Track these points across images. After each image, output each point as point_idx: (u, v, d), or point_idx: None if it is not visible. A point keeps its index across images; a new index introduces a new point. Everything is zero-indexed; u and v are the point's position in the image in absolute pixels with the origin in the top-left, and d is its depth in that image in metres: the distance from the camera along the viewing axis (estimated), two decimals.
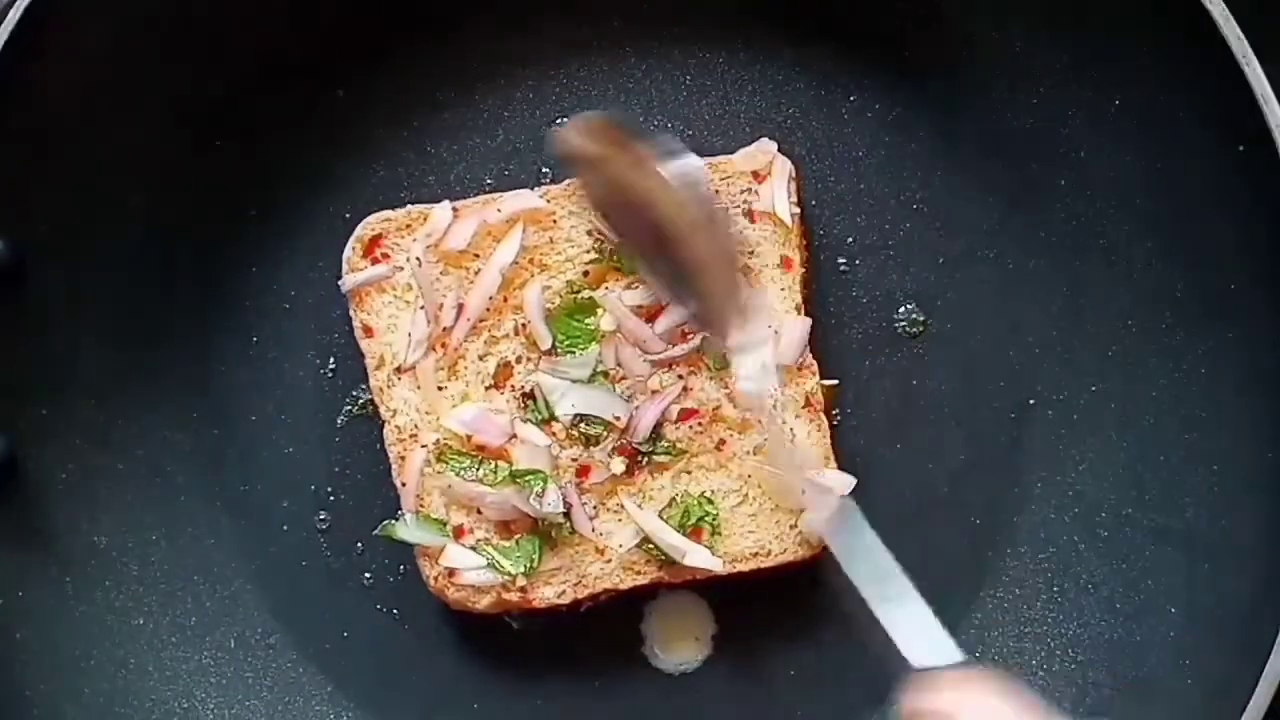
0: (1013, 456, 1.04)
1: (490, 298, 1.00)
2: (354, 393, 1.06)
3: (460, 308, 1.00)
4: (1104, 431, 1.02)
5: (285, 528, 1.06)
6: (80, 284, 1.01)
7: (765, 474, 0.99)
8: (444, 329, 1.00)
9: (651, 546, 0.98)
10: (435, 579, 1.00)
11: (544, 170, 1.07)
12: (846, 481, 0.98)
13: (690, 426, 1.00)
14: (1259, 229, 0.93)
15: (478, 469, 0.99)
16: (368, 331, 1.01)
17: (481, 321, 1.00)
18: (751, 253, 1.00)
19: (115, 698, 1.00)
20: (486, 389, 1.00)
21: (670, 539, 0.98)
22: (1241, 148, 0.91)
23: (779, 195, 0.99)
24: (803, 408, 1.00)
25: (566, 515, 0.98)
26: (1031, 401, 1.04)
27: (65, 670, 0.99)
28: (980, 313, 1.05)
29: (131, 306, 1.03)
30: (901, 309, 1.06)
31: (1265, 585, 0.91)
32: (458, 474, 0.99)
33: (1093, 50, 0.97)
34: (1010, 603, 1.03)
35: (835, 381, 1.03)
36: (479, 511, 1.00)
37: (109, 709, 1.00)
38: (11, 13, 0.92)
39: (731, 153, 1.01)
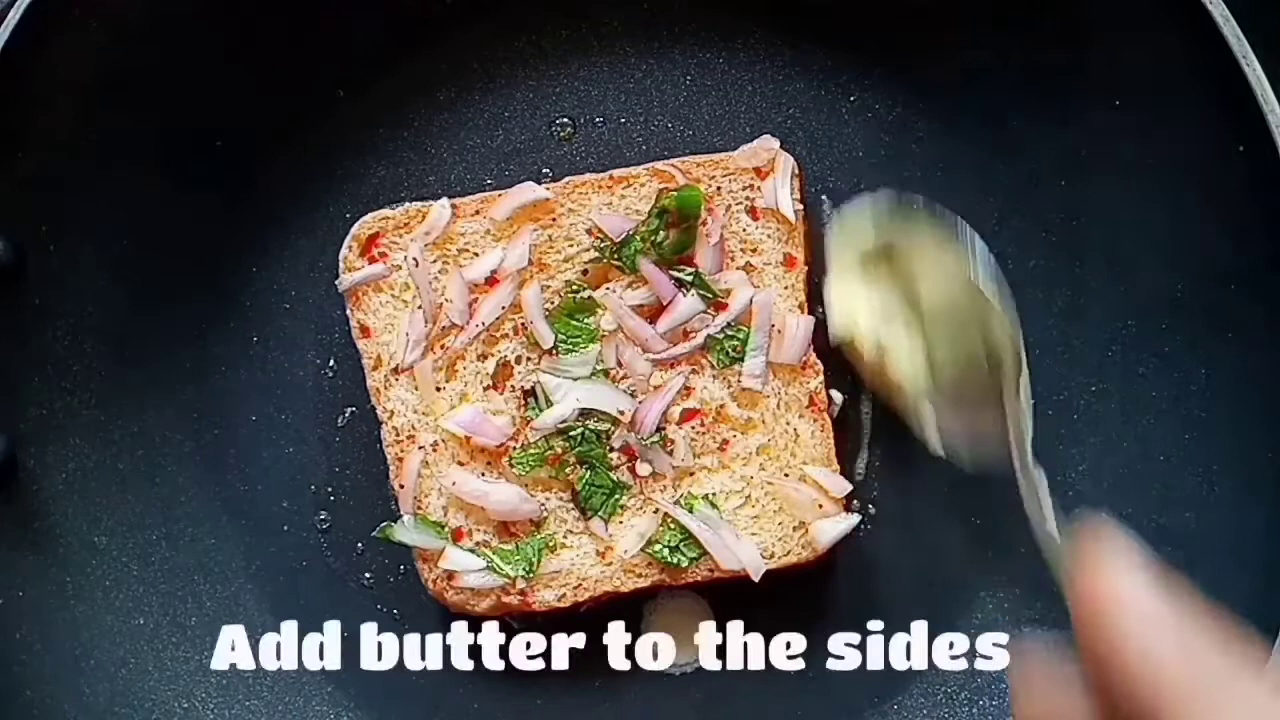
0: None
1: (503, 308, 1.00)
2: (354, 392, 1.06)
3: (470, 315, 1.00)
4: (1104, 431, 1.02)
5: (285, 528, 1.06)
6: (80, 284, 1.01)
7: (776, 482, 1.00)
8: (442, 329, 1.00)
9: (656, 549, 0.98)
10: (434, 582, 1.00)
11: (544, 170, 1.07)
12: (842, 486, 0.98)
13: (692, 427, 1.00)
14: (1258, 230, 0.93)
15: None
16: (365, 331, 1.01)
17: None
18: (755, 250, 1.00)
19: (115, 698, 1.00)
20: (485, 389, 1.00)
21: (721, 534, 0.98)
22: (1241, 148, 0.91)
23: (782, 191, 0.99)
24: (806, 407, 0.99)
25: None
26: (1032, 401, 1.04)
27: (65, 670, 0.99)
28: None
29: (131, 306, 1.03)
30: None
31: (1265, 585, 0.91)
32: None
33: (1093, 50, 0.97)
34: (1010, 603, 1.03)
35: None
36: (482, 509, 1.00)
37: (109, 709, 1.00)
38: (11, 13, 0.92)
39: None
